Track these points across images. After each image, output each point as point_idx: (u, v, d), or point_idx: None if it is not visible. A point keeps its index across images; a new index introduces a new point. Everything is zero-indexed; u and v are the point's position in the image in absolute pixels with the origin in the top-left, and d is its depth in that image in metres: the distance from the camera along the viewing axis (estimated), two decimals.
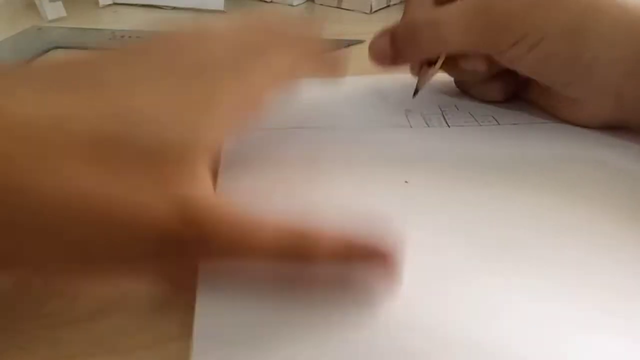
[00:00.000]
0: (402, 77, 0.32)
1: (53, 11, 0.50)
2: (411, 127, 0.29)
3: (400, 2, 0.61)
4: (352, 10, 0.58)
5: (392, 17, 0.31)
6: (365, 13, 0.58)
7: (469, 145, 0.27)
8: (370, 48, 0.29)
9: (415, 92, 0.31)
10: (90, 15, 0.54)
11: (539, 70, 0.28)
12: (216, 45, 0.19)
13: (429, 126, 0.29)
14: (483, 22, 0.27)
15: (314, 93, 0.33)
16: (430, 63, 0.30)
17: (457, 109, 0.31)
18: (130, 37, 0.45)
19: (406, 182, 0.24)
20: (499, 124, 0.29)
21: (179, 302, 0.18)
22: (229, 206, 0.15)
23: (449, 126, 0.29)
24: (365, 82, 0.34)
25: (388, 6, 0.60)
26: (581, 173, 0.25)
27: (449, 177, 0.24)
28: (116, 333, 0.17)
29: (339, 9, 0.59)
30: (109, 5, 0.56)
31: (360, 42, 0.44)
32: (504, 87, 0.31)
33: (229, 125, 0.18)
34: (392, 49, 0.28)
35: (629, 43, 0.25)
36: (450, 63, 0.29)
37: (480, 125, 0.29)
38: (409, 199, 0.23)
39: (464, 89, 0.33)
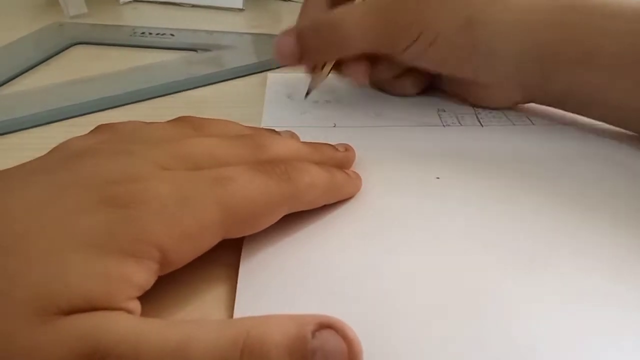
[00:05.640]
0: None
1: (74, 7, 0.50)
2: (444, 126, 0.29)
3: None
4: None
5: None
6: None
7: (502, 145, 0.27)
8: (276, 46, 0.29)
9: (307, 93, 0.31)
10: (111, 11, 0.54)
11: (441, 63, 0.28)
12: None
13: (462, 125, 0.29)
14: (381, 23, 0.27)
15: (349, 93, 0.33)
16: (323, 66, 0.30)
17: (491, 109, 0.31)
18: (150, 33, 0.45)
19: (438, 178, 0.24)
20: (533, 124, 0.29)
21: None
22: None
23: (482, 125, 0.29)
24: None
25: None
26: (618, 174, 0.24)
27: (480, 175, 0.24)
28: None
29: None
30: (130, 2, 0.56)
31: None
32: (415, 81, 0.31)
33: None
34: (299, 49, 0.28)
35: (516, 36, 0.26)
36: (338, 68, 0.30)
37: (514, 125, 0.29)
38: (440, 195, 0.22)
39: (379, 87, 0.33)
